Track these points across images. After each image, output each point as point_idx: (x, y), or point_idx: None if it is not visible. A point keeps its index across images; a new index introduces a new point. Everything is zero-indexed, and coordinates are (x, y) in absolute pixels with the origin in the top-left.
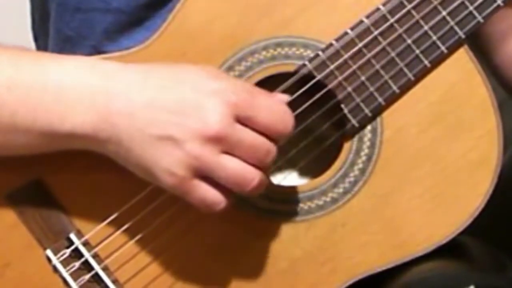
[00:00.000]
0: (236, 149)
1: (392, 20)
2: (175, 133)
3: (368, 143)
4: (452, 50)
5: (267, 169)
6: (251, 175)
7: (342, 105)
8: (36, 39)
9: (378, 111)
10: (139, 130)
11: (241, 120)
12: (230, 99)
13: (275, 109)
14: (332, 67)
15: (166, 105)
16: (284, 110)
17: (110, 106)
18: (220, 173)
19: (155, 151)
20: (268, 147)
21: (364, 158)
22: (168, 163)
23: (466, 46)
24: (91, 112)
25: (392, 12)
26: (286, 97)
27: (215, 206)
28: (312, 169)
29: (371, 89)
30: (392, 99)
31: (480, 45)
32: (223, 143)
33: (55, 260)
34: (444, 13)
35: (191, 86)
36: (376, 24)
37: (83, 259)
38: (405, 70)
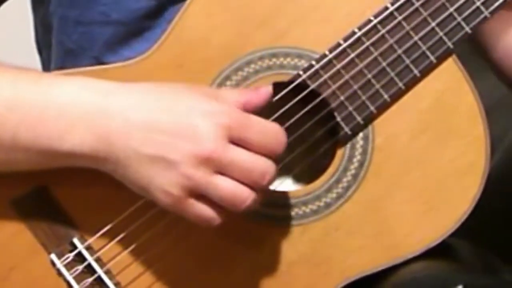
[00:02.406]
0: (229, 169)
1: (383, 31)
2: (169, 154)
3: (360, 150)
4: (441, 59)
5: (264, 188)
6: (245, 195)
7: (335, 113)
8: (40, 51)
9: (370, 119)
10: (135, 150)
11: (235, 141)
12: (223, 120)
13: (268, 129)
14: (325, 76)
15: (161, 126)
16: (275, 129)
17: (108, 126)
18: (214, 193)
19: (150, 171)
20: (263, 168)
21: (356, 164)
22: (163, 183)
23: (454, 56)
24: (89, 132)
25: (383, 23)
26: (270, 89)
27: (210, 222)
28: (307, 175)
29: (363, 97)
30: (384, 107)
31: (478, 42)
32: (216, 164)
33: (59, 264)
34: (433, 24)
35: (186, 107)
36: (367, 35)
37: (86, 263)
38: (396, 79)
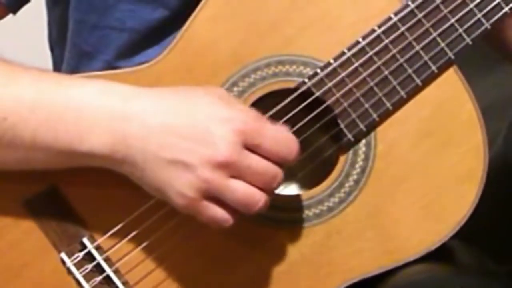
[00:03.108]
0: (244, 173)
1: (386, 41)
2: (186, 158)
3: (362, 156)
4: (442, 69)
5: (273, 191)
6: (257, 198)
7: (339, 120)
8: (52, 50)
9: (372, 126)
10: (153, 153)
11: (249, 147)
12: (239, 127)
13: (281, 137)
14: (330, 84)
15: (179, 130)
16: (289, 137)
17: (126, 128)
18: (229, 196)
19: (167, 174)
20: (274, 172)
21: (358, 170)
22: (179, 185)
23: (455, 66)
24: (108, 134)
25: (386, 33)
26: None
27: (223, 224)
28: (310, 180)
29: (366, 105)
30: (386, 115)
31: (498, 37)
32: (232, 169)
33: (69, 263)
34: (435, 34)
35: (203, 112)
36: (371, 45)
37: (95, 262)
38: (398, 88)
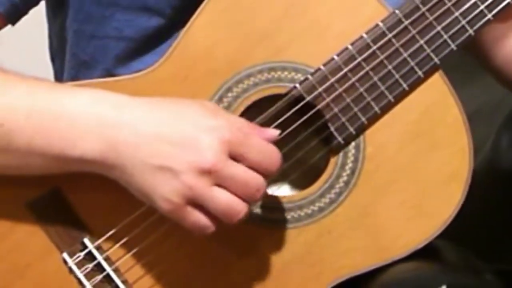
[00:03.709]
0: (227, 182)
1: (374, 48)
2: (173, 164)
3: (352, 158)
4: (428, 74)
5: (256, 201)
6: (239, 208)
7: (329, 124)
8: (53, 60)
9: (361, 130)
10: (141, 159)
11: (234, 156)
12: (225, 136)
13: (265, 148)
14: (320, 89)
15: (167, 139)
16: (272, 149)
17: (117, 136)
18: (211, 204)
19: (154, 179)
20: (257, 183)
21: (348, 171)
22: (165, 191)
23: (440, 71)
24: (100, 140)
25: (374, 40)
26: (277, 132)
27: (204, 231)
28: (302, 181)
29: (355, 109)
30: (374, 118)
31: (477, 52)
32: (216, 176)
33: (70, 262)
34: (421, 41)
35: (191, 122)
36: (360, 51)
37: (95, 262)
38: (386, 92)
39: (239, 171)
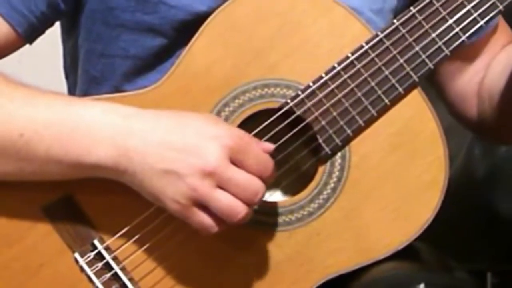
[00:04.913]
0: (229, 184)
1: (358, 66)
2: (179, 168)
3: (338, 167)
4: (408, 91)
5: (255, 204)
6: (239, 209)
7: (318, 136)
8: (67, 77)
9: (347, 141)
10: (150, 164)
11: (234, 162)
12: (226, 143)
13: (261, 157)
14: (309, 104)
15: (173, 146)
16: (267, 158)
17: (128, 143)
18: (213, 204)
19: (162, 183)
20: (256, 187)
21: (335, 179)
22: (172, 193)
23: (419, 88)
24: (112, 148)
25: (359, 59)
26: (272, 146)
27: (209, 230)
28: (293, 188)
29: (341, 122)
30: (359, 131)
31: (435, 84)
32: (218, 178)
33: (81, 262)
34: (401, 61)
35: (194, 130)
36: (345, 69)
37: (104, 261)
38: (369, 107)
39: (239, 175)
